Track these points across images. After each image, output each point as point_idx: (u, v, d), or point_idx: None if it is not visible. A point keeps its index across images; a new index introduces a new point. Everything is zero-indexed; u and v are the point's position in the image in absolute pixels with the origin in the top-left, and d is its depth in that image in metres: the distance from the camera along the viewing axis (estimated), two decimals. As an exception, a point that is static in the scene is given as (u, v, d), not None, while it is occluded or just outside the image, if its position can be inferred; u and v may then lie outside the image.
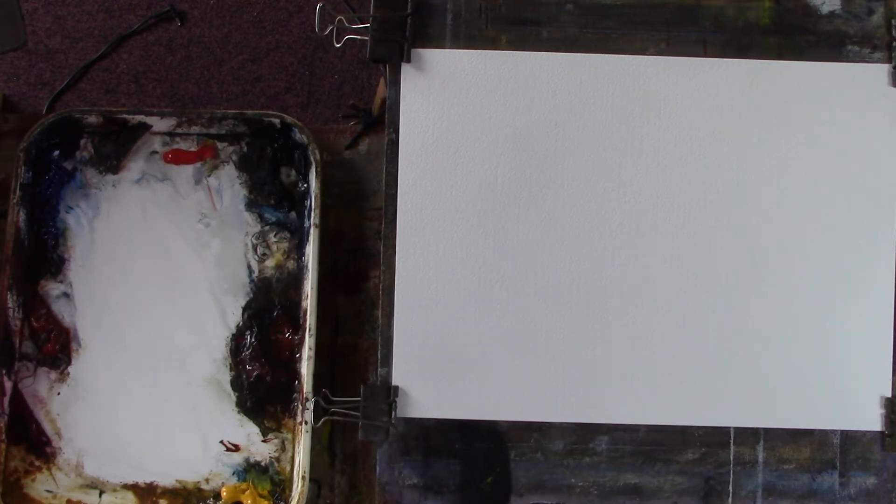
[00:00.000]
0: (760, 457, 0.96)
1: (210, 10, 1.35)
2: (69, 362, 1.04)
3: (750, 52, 0.98)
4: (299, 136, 1.06)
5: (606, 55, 0.98)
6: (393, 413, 0.95)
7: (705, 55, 0.98)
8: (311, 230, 1.03)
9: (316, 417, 0.97)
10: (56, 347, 1.04)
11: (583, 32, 0.98)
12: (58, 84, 1.32)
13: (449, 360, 0.96)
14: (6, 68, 1.32)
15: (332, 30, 0.98)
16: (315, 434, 1.03)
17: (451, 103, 0.97)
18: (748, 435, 0.96)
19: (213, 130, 1.09)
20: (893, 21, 0.98)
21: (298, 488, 0.97)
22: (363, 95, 1.34)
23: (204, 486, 1.02)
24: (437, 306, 0.96)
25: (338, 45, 0.98)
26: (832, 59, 0.98)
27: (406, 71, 0.98)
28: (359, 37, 0.98)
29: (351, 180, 1.12)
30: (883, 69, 0.98)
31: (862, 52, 0.98)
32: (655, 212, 0.97)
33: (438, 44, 0.98)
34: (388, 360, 0.96)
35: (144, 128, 1.08)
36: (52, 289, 1.05)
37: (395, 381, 0.96)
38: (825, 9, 0.98)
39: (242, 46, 1.34)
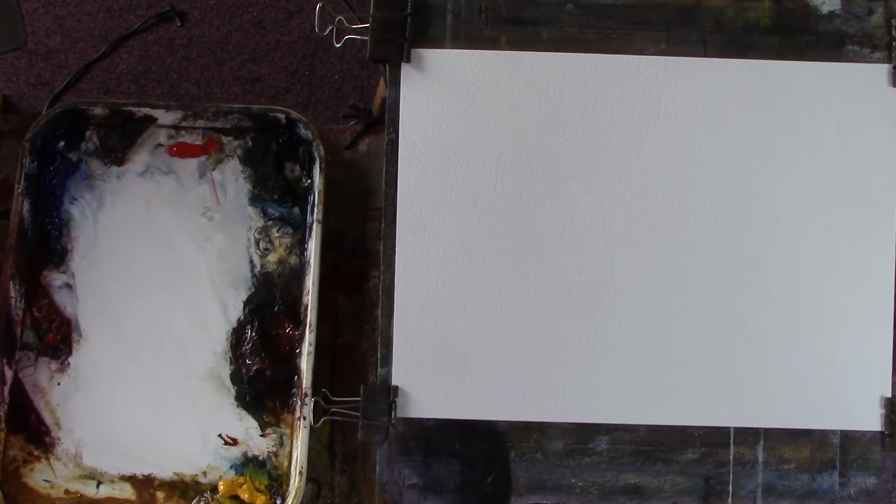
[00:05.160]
0: (760, 457, 0.96)
1: (210, 10, 1.35)
2: (70, 353, 1.04)
3: (750, 52, 0.98)
4: (304, 132, 1.07)
5: (606, 55, 0.98)
6: (393, 413, 0.95)
7: (705, 55, 0.98)
8: (314, 226, 1.03)
9: (316, 417, 0.97)
10: (57, 338, 1.04)
11: (583, 32, 0.98)
12: (58, 84, 1.32)
13: (449, 360, 0.96)
14: (6, 68, 1.32)
15: (332, 30, 0.98)
16: (315, 434, 1.03)
17: (451, 103, 0.97)
18: (748, 435, 0.96)
19: (218, 124, 1.09)
20: (893, 21, 0.98)
21: (296, 484, 0.97)
22: (363, 95, 1.34)
23: (201, 480, 1.02)
24: (437, 306, 0.96)
25: (338, 45, 0.98)
26: (832, 59, 0.98)
27: (406, 71, 0.98)
28: (359, 37, 0.98)
29: (351, 180, 1.12)
30: (883, 69, 0.98)
31: (862, 52, 0.98)
32: (655, 212, 0.97)
33: (438, 44, 0.98)
34: (388, 360, 0.96)
35: (150, 121, 1.08)
36: (55, 279, 1.05)
37: (395, 381, 0.96)
38: (825, 9, 0.99)
39: (242, 46, 1.34)
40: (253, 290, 1.07)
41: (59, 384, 1.03)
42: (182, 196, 1.08)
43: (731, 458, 0.96)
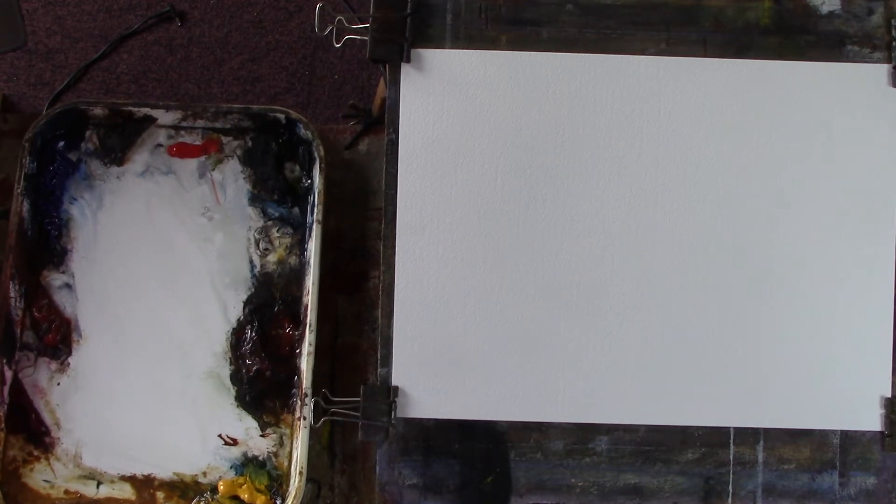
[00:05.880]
0: (760, 457, 0.96)
1: (210, 10, 1.35)
2: (70, 353, 1.04)
3: (750, 52, 0.98)
4: (304, 132, 1.07)
5: (606, 55, 0.98)
6: (393, 413, 0.95)
7: (705, 55, 0.98)
8: (314, 226, 1.03)
9: (316, 417, 0.97)
10: (57, 338, 1.04)
11: (583, 32, 0.98)
12: (58, 84, 1.32)
13: (449, 360, 0.96)
14: (6, 68, 1.32)
15: (332, 30, 0.98)
16: (315, 434, 1.03)
17: (451, 103, 0.97)
18: (748, 435, 0.96)
19: (218, 125, 1.09)
20: (893, 21, 0.98)
21: (295, 484, 0.97)
22: (363, 95, 1.34)
23: (201, 480, 1.02)
24: (437, 306, 0.96)
25: (338, 45, 0.98)
26: (832, 59, 0.98)
27: (406, 71, 0.98)
28: (359, 37, 0.98)
29: (351, 180, 1.12)
30: (883, 69, 0.98)
31: (862, 52, 0.98)
32: (655, 212, 0.97)
33: (438, 44, 0.98)
34: (387, 360, 0.96)
35: (150, 121, 1.09)
36: (55, 279, 1.05)
37: (394, 381, 0.96)
38: (825, 9, 0.99)
39: (242, 46, 1.34)
40: (253, 290, 1.07)
41: (58, 384, 1.03)
42: (182, 196, 1.08)
43: (731, 458, 0.96)
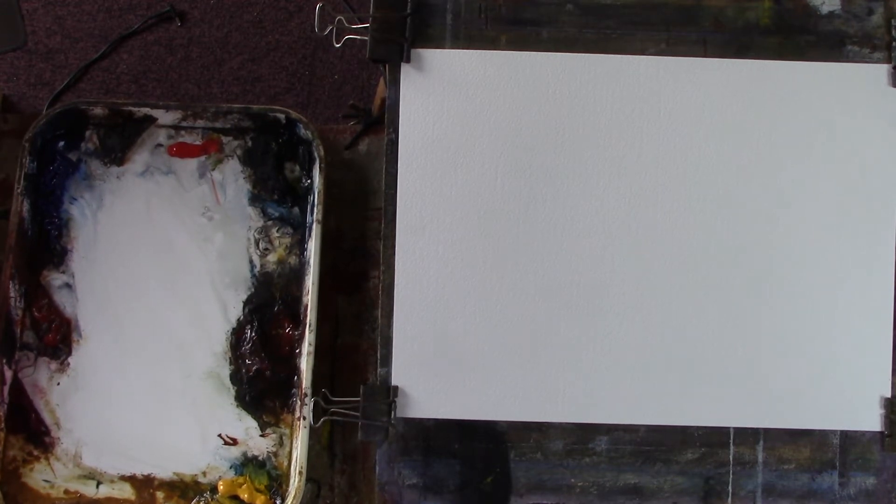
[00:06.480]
0: (760, 457, 0.96)
1: (210, 10, 1.35)
2: (70, 353, 1.04)
3: (750, 52, 0.98)
4: (304, 132, 1.07)
5: (606, 55, 0.98)
6: (392, 413, 0.95)
7: (705, 55, 0.98)
8: (314, 226, 1.03)
9: (315, 417, 0.97)
10: (57, 338, 1.04)
11: (583, 32, 0.98)
12: (58, 84, 1.32)
13: (449, 360, 0.96)
14: (6, 68, 1.32)
15: (332, 30, 0.98)
16: (315, 434, 1.03)
17: (450, 103, 0.97)
18: (748, 435, 0.96)
19: (218, 124, 1.09)
20: (893, 21, 0.98)
21: (295, 484, 0.97)
22: (363, 95, 1.34)
23: (201, 480, 1.02)
24: (437, 306, 0.96)
25: (338, 45, 0.98)
26: (832, 59, 0.98)
27: (406, 71, 0.98)
28: (359, 37, 0.98)
29: (351, 180, 1.12)
30: (883, 69, 0.98)
31: (862, 52, 0.98)
32: (655, 212, 0.97)
33: (438, 44, 0.98)
34: (387, 360, 0.96)
35: (150, 121, 1.09)
36: (55, 279, 1.05)
37: (394, 381, 0.96)
38: (825, 9, 0.99)
39: (242, 46, 1.34)
40: (253, 290, 1.07)
41: (58, 384, 1.03)
42: (182, 196, 1.08)
43: (731, 458, 0.96)
